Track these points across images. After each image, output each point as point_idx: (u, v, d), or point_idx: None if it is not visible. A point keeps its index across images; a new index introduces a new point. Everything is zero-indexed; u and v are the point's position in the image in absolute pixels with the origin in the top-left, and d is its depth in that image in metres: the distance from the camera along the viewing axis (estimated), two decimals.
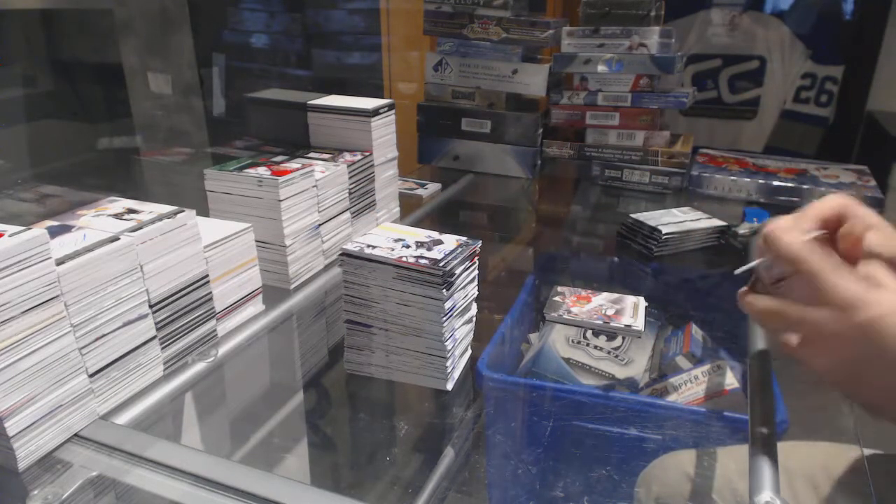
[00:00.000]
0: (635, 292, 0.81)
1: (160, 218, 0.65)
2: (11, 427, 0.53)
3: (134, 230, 0.62)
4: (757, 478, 0.52)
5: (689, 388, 0.72)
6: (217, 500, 0.52)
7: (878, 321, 0.43)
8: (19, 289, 0.51)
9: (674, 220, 1.08)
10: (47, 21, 1.09)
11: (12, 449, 0.53)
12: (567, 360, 0.76)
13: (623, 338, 0.79)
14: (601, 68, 1.30)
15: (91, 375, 0.59)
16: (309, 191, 0.87)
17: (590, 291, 0.81)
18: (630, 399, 0.67)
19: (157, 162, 1.03)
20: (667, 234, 1.01)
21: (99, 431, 0.59)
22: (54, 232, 0.60)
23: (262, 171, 0.84)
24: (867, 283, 0.45)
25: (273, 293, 0.85)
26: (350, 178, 0.95)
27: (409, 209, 1.18)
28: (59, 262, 0.55)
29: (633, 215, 1.08)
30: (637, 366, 0.76)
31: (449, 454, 0.62)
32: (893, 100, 1.80)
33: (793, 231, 0.48)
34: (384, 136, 1.03)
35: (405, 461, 0.63)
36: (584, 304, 0.78)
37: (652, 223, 1.04)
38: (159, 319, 0.66)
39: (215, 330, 0.74)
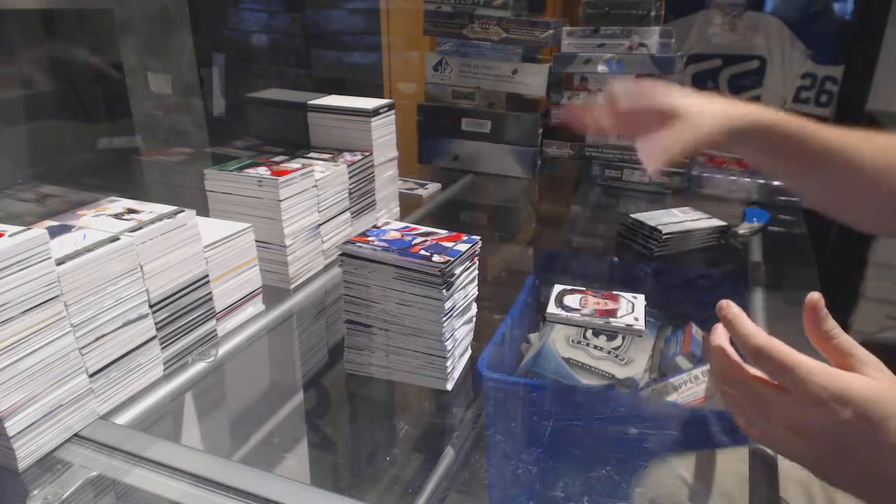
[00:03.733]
0: (635, 292, 0.81)
1: (160, 218, 0.65)
2: (11, 427, 0.53)
3: (134, 230, 0.62)
4: (757, 478, 0.52)
5: (689, 388, 0.72)
6: (217, 500, 0.52)
7: (858, 418, 0.42)
8: (19, 289, 0.51)
9: (674, 220, 1.08)
10: (47, 21, 1.08)
11: (12, 449, 0.53)
12: (567, 360, 0.76)
13: (623, 338, 0.79)
14: (601, 68, 1.30)
15: (91, 375, 0.59)
16: (309, 191, 0.87)
17: (593, 292, 0.81)
18: (630, 399, 0.67)
19: (157, 162, 1.03)
20: (667, 234, 1.01)
21: (99, 431, 0.59)
22: (54, 232, 0.60)
23: (262, 171, 0.84)
24: (839, 358, 0.45)
25: (273, 293, 0.85)
26: (350, 178, 0.95)
27: (409, 209, 1.18)
28: (59, 262, 0.55)
29: (633, 215, 1.08)
30: (637, 366, 0.76)
31: (449, 454, 0.62)
32: (893, 100, 1.80)
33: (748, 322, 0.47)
34: (384, 136, 1.03)
35: (405, 461, 0.63)
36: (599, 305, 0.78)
37: (652, 223, 1.04)
38: (159, 319, 0.66)
39: (215, 330, 0.74)
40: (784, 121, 0.68)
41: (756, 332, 0.46)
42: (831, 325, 0.46)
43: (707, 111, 0.68)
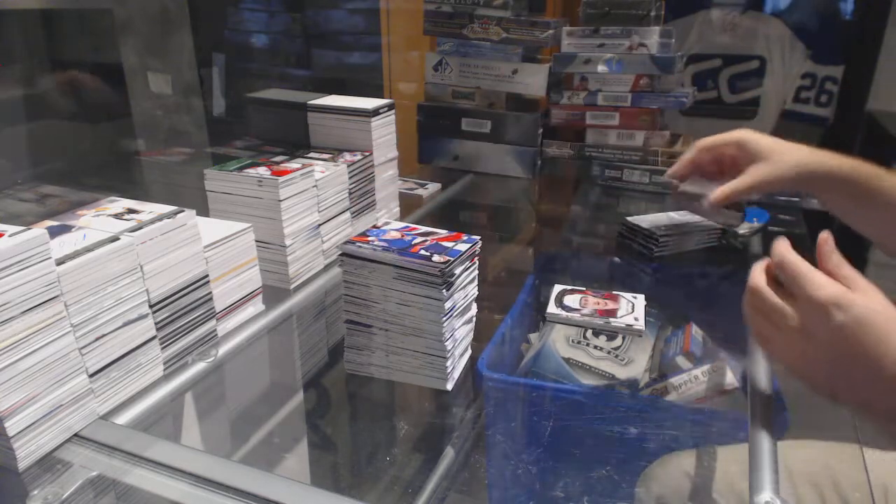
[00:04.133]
0: (635, 292, 0.81)
1: (160, 218, 0.65)
2: (11, 427, 0.53)
3: (134, 230, 0.62)
4: (757, 478, 0.52)
5: (689, 388, 0.72)
6: (217, 500, 0.52)
7: (854, 323, 0.47)
8: (19, 289, 0.51)
9: (670, 222, 1.07)
10: (47, 21, 1.08)
11: (12, 449, 0.53)
12: (567, 360, 0.76)
13: (623, 338, 0.79)
14: (601, 68, 1.30)
15: (91, 375, 0.59)
16: (309, 191, 0.87)
17: (593, 292, 0.81)
18: (630, 399, 0.67)
19: (157, 162, 1.03)
20: (663, 237, 1.01)
21: (99, 431, 0.59)
22: (54, 232, 0.60)
23: (262, 171, 0.84)
24: (845, 284, 0.50)
25: (273, 293, 0.85)
26: (350, 178, 0.95)
27: (409, 209, 1.18)
28: (59, 262, 0.55)
29: (629, 218, 1.08)
30: (637, 366, 0.76)
31: (449, 454, 0.62)
32: (893, 100, 1.80)
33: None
34: (384, 136, 1.03)
35: (405, 461, 0.63)
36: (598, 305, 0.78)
37: (647, 226, 1.04)
38: (159, 319, 0.66)
39: (215, 330, 0.74)
40: (857, 170, 0.76)
41: (786, 250, 0.53)
42: (837, 258, 0.52)
43: (784, 154, 0.79)
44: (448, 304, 0.65)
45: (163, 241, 0.65)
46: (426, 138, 1.45)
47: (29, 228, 0.54)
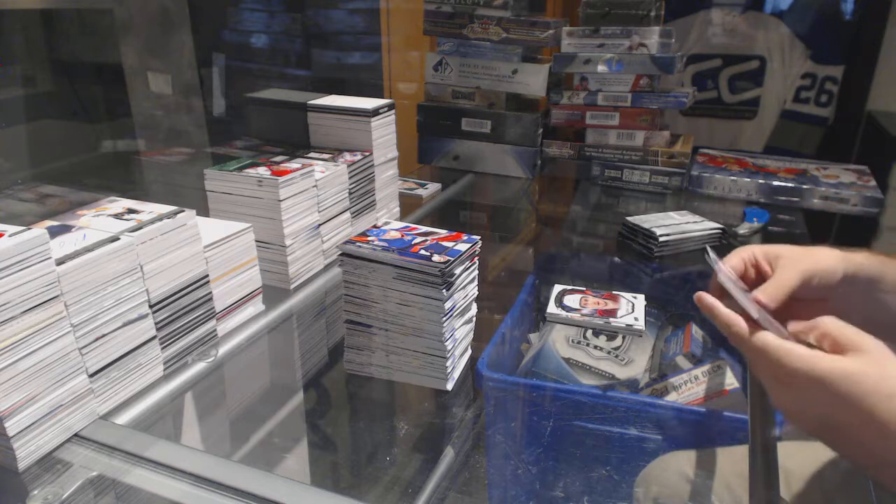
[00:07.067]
0: (635, 292, 0.81)
1: (160, 218, 0.65)
2: (11, 427, 0.53)
3: (134, 230, 0.62)
4: (757, 478, 0.52)
5: (689, 388, 0.72)
6: (217, 500, 0.52)
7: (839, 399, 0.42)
8: (19, 289, 0.51)
9: (671, 223, 1.08)
10: (47, 21, 1.08)
11: (12, 449, 0.53)
12: (567, 360, 0.76)
13: (623, 338, 0.79)
14: (601, 68, 1.30)
15: (91, 375, 0.59)
16: (309, 191, 0.87)
17: (593, 292, 0.81)
18: (630, 399, 0.67)
19: (157, 162, 1.03)
20: (663, 238, 1.01)
21: (99, 431, 0.59)
22: (54, 232, 0.60)
23: (262, 171, 0.84)
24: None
25: (273, 293, 0.85)
26: (350, 178, 0.95)
27: (409, 209, 1.18)
28: (59, 262, 0.55)
29: (629, 218, 1.08)
30: (637, 366, 0.76)
31: (449, 454, 0.62)
32: (893, 100, 1.80)
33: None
34: (384, 136, 1.03)
35: (405, 461, 0.63)
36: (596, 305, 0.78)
37: (647, 227, 1.05)
38: (159, 319, 0.66)
39: (215, 330, 0.74)
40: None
41: (734, 321, 0.49)
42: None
43: (812, 254, 0.62)
44: (448, 304, 0.65)
45: (163, 241, 0.65)
46: (426, 138, 1.45)
47: (29, 228, 0.54)
